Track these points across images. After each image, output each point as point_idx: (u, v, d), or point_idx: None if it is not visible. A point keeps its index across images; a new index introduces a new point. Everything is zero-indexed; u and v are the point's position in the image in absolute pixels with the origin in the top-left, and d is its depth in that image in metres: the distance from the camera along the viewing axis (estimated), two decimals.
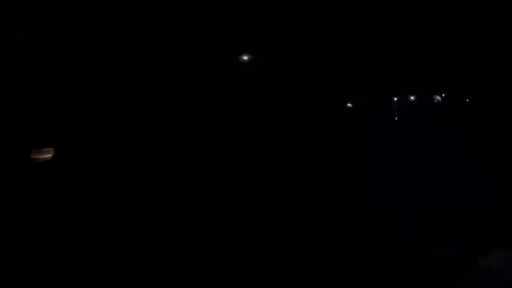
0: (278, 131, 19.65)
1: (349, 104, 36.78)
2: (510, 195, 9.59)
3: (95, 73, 18.38)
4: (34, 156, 12.00)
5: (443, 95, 39.94)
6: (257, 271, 6.25)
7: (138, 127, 17.46)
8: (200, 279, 6.15)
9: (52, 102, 16.07)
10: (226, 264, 6.48)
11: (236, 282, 6.08)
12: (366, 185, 11.01)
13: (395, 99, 39.00)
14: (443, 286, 5.83)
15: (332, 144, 17.40)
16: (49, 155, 12.03)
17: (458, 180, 11.44)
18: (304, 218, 8.49)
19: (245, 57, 25.81)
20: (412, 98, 39.42)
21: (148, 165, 12.65)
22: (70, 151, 12.89)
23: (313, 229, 7.75)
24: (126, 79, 19.34)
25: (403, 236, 7.42)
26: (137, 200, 9.47)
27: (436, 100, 39.88)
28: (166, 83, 20.57)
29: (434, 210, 8.89)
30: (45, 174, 11.40)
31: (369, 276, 6.10)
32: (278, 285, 5.96)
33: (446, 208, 8.92)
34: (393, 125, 29.47)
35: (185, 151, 14.53)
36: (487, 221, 8.16)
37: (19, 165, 11.55)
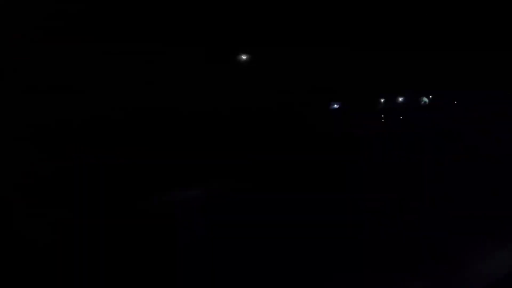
0: (273, 131, 19.66)
1: (335, 105, 36.63)
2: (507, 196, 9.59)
3: (95, 73, 18.36)
4: None
5: (430, 96, 39.86)
6: None
7: (138, 126, 17.46)
8: None
9: (51, 102, 16.07)
10: None
11: None
12: (358, 187, 11.02)
13: (382, 100, 38.94)
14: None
15: (319, 145, 17.43)
16: None
17: (456, 183, 11.44)
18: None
19: (245, 57, 25.79)
20: (400, 99, 39.37)
21: (144, 164, 12.65)
22: None
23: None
24: (126, 79, 19.33)
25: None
26: None
27: (423, 102, 39.78)
28: (166, 83, 20.55)
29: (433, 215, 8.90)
30: None
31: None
32: None
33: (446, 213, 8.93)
34: (380, 126, 29.57)
35: (184, 150, 14.54)
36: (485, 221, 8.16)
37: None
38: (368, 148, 17.82)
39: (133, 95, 19.05)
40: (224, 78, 23.44)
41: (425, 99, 39.24)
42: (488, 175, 11.89)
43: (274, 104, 24.20)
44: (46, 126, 14.91)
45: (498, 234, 7.38)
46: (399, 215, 8.49)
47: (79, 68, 17.77)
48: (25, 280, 6.44)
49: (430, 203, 9.48)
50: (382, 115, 35.40)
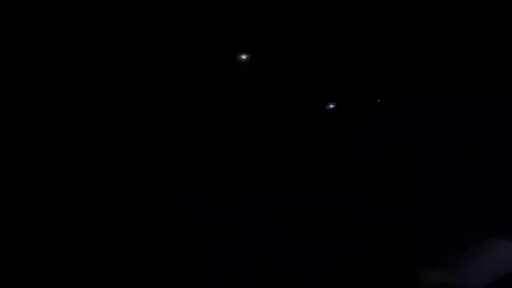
0: (273, 131, 19.70)
1: (331, 106, 36.49)
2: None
3: (95, 73, 18.39)
4: None
5: (426, 97, 39.79)
6: None
7: (138, 126, 17.50)
8: None
9: (51, 102, 16.10)
10: None
11: None
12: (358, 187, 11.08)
13: (382, 100, 38.85)
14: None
15: (319, 145, 17.49)
16: None
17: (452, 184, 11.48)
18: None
19: (245, 57, 25.84)
20: (399, 99, 39.31)
21: (143, 164, 12.72)
22: None
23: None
24: (126, 79, 19.36)
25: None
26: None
27: (419, 102, 39.68)
28: (166, 83, 20.59)
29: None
30: None
31: None
32: None
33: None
34: (380, 126, 29.66)
35: (184, 150, 14.59)
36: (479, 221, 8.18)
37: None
38: (368, 148, 17.89)
39: (133, 95, 19.07)
40: (224, 78, 23.48)
41: (421, 100, 39.29)
42: (488, 175, 11.94)
43: (274, 104, 24.24)
44: (46, 126, 14.95)
45: (498, 234, 7.41)
46: (399, 215, 8.52)
47: (79, 68, 17.80)
48: (25, 281, 6.46)
49: (431, 203, 9.52)
50: (381, 115, 35.58)
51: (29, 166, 11.45)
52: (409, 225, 8.05)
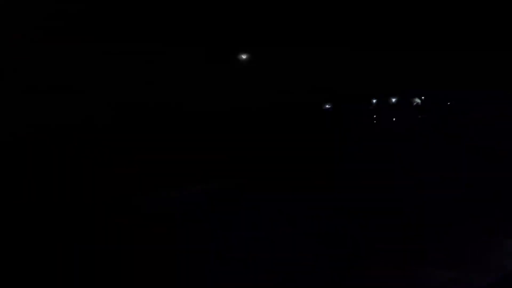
0: (272, 131, 19.67)
1: (327, 106, 36.36)
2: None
3: (95, 73, 18.35)
4: None
5: (423, 97, 39.73)
6: None
7: (138, 126, 17.46)
8: None
9: (51, 102, 16.06)
10: None
11: None
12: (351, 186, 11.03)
13: (374, 101, 38.76)
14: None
15: (318, 144, 17.44)
16: None
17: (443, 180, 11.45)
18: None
19: (245, 57, 25.75)
20: (393, 100, 39.21)
21: (144, 165, 12.67)
22: None
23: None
24: (126, 79, 19.32)
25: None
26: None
27: (415, 103, 39.62)
28: (166, 83, 20.54)
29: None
30: None
31: None
32: None
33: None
34: (371, 127, 29.67)
35: (184, 151, 14.55)
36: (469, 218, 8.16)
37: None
38: (368, 148, 17.82)
39: (133, 95, 19.04)
40: (224, 78, 23.42)
41: (418, 100, 39.21)
42: (489, 174, 11.90)
43: (274, 104, 24.18)
44: (46, 126, 14.91)
45: (498, 234, 7.39)
46: (399, 215, 8.49)
47: (79, 68, 17.77)
48: (25, 280, 6.45)
49: (431, 203, 9.49)
50: (382, 115, 35.41)
51: (29, 166, 11.41)
52: (410, 225, 8.03)
